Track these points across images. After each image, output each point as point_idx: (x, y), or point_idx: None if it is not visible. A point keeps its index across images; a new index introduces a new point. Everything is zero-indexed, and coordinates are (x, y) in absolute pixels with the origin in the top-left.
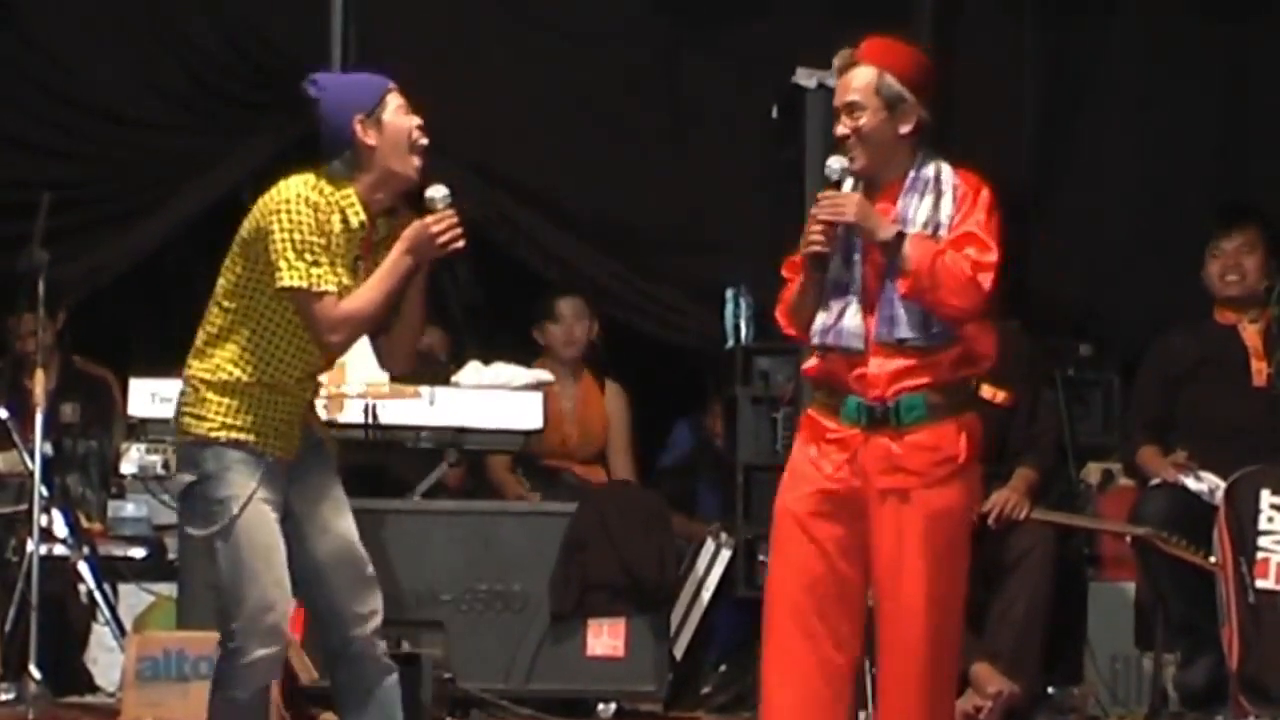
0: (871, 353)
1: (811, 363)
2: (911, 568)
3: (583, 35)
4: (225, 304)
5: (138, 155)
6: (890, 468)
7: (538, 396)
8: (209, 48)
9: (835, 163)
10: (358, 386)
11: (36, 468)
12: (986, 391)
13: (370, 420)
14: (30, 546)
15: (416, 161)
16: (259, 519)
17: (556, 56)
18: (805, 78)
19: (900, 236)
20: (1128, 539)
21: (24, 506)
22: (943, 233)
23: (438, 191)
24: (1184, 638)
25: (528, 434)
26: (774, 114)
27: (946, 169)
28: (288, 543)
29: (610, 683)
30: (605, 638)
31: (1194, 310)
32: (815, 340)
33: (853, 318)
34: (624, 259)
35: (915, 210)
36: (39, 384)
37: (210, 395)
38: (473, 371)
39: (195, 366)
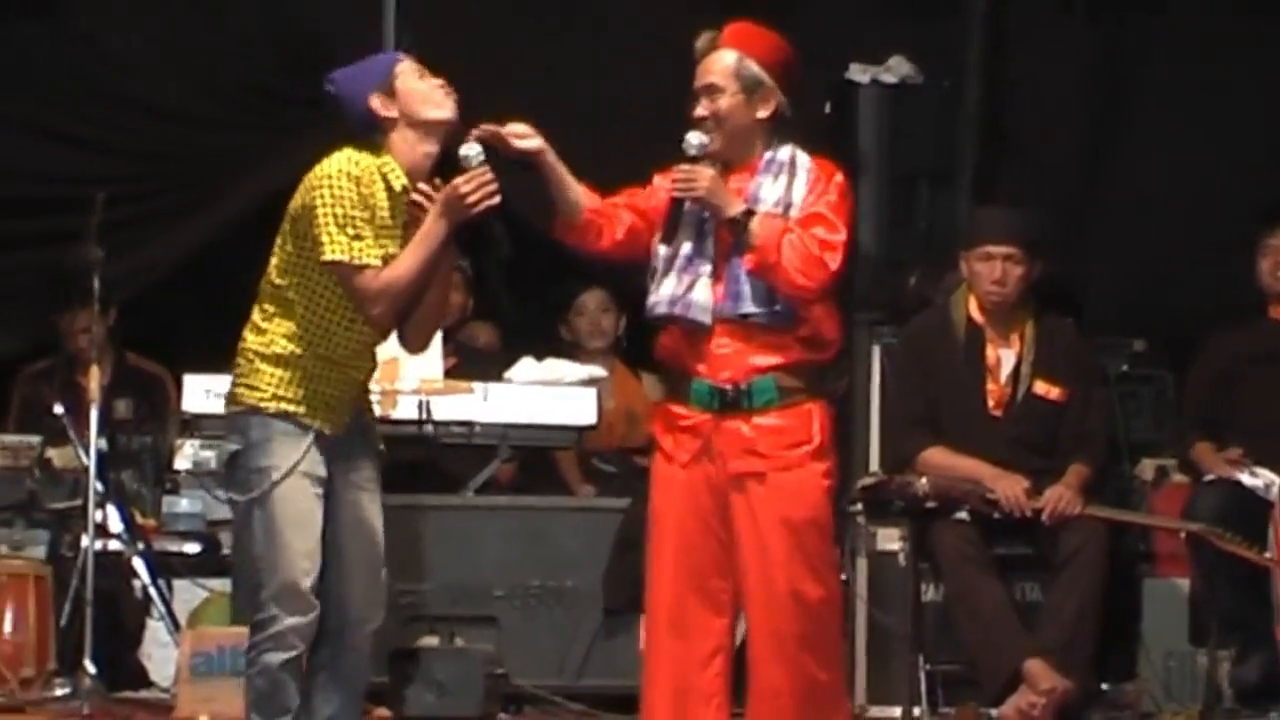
0: (716, 330)
1: (665, 340)
2: (772, 554)
3: (635, 32)
4: (277, 280)
5: (189, 152)
6: (744, 451)
7: (592, 392)
8: (259, 45)
9: (694, 138)
10: (411, 382)
11: (91, 463)
12: (1039, 387)
13: (423, 416)
14: (85, 542)
15: (450, 107)
16: (297, 490)
17: (609, 53)
18: (858, 73)
19: (748, 214)
20: (1182, 535)
21: (79, 502)
22: (794, 213)
23: (470, 149)
24: (1238, 634)
25: (581, 430)
26: (827, 109)
27: (802, 154)
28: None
29: None
30: None
31: (1248, 306)
32: (661, 310)
33: (702, 291)
34: None
35: (767, 190)
36: (93, 380)
37: (263, 366)
38: (526, 367)
39: (250, 340)
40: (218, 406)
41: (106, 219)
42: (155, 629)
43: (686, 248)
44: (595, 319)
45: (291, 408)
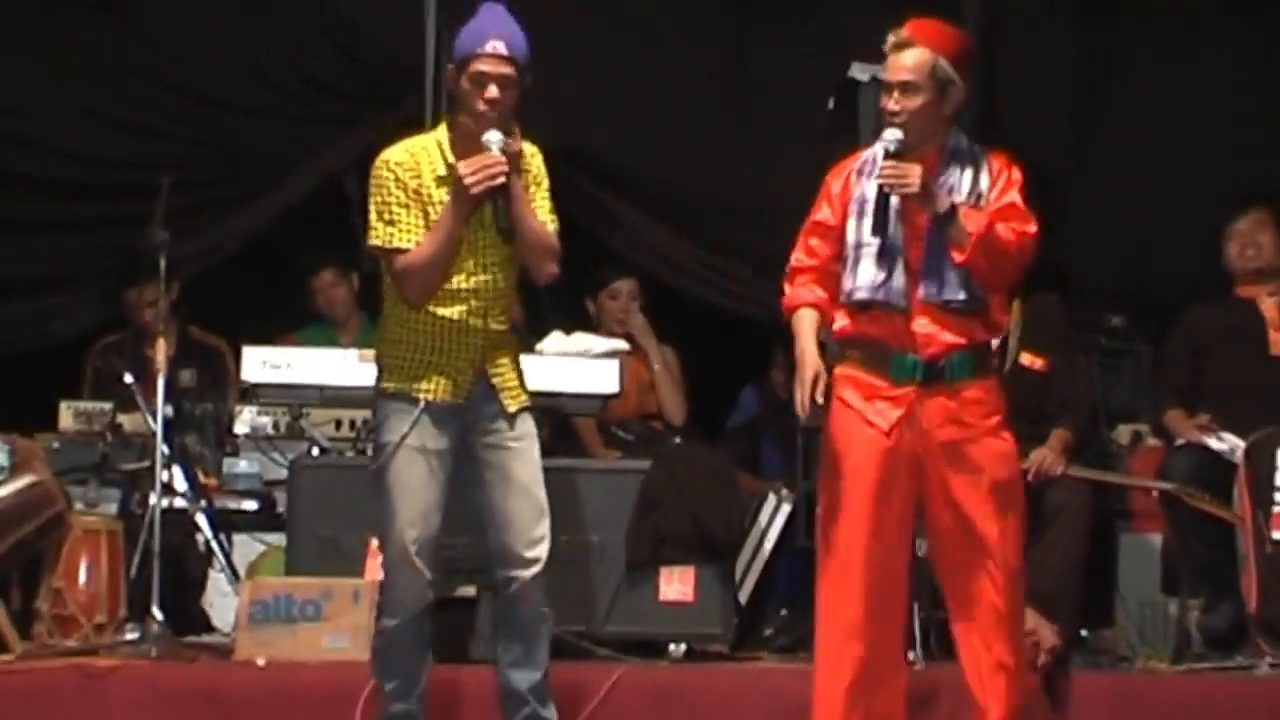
0: (916, 311)
1: (844, 323)
2: (981, 511)
3: (661, 31)
4: (383, 268)
5: (248, 143)
6: (948, 421)
7: (615, 363)
8: (314, 44)
9: (892, 134)
10: None
11: (158, 428)
12: (1025, 359)
13: None
14: (153, 500)
15: (479, 125)
16: (404, 464)
17: (636, 49)
18: (859, 72)
19: (954, 208)
20: (1155, 494)
21: (147, 464)
22: (982, 203)
23: (492, 135)
24: (1207, 585)
25: (606, 398)
26: (830, 104)
27: (974, 144)
28: (469, 483)
29: (681, 626)
30: (676, 585)
31: (1218, 286)
32: (861, 296)
33: (899, 278)
34: (695, 237)
35: (959, 181)
36: (159, 352)
37: (383, 350)
38: (555, 340)
39: (378, 328)
40: (274, 376)
41: (172, 204)
42: (217, 579)
43: (879, 236)
44: (626, 304)
45: (402, 385)
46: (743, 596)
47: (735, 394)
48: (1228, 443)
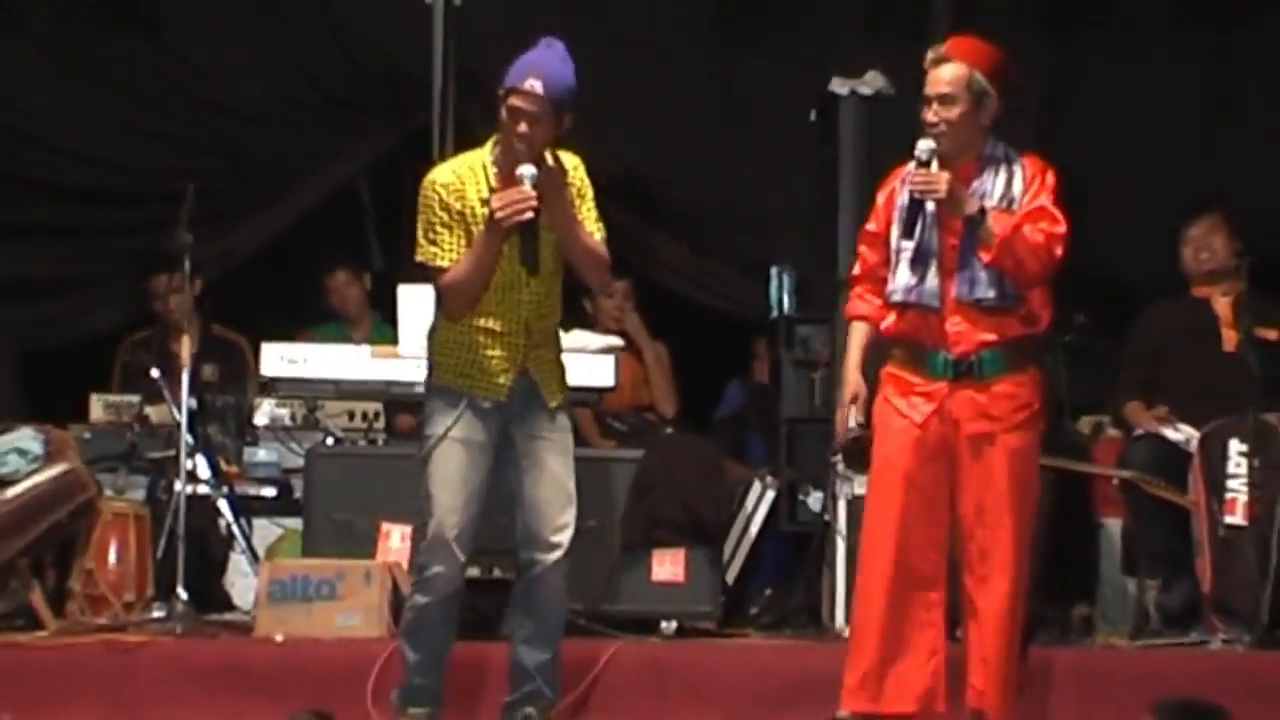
0: (950, 311)
1: (889, 321)
2: (998, 501)
3: (654, 45)
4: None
5: (265, 152)
6: (977, 415)
7: (610, 359)
8: (327, 57)
9: (925, 145)
10: None
11: (183, 419)
12: None
13: None
14: (178, 487)
15: (509, 158)
16: (447, 454)
17: (631, 63)
18: (839, 86)
19: (983, 212)
20: (1116, 481)
21: (172, 452)
22: (1015, 206)
23: (527, 169)
24: (1164, 566)
25: (602, 391)
26: (812, 117)
27: (1010, 150)
28: (504, 469)
29: (672, 605)
30: (668, 566)
31: (1175, 287)
32: (897, 298)
33: (933, 279)
34: (687, 240)
35: (992, 186)
36: (184, 348)
37: (432, 347)
38: None
39: (430, 333)
40: (291, 370)
41: (194, 209)
42: (238, 561)
43: (915, 241)
44: (621, 303)
45: (450, 381)
46: (730, 577)
47: (721, 388)
48: (1183, 433)
